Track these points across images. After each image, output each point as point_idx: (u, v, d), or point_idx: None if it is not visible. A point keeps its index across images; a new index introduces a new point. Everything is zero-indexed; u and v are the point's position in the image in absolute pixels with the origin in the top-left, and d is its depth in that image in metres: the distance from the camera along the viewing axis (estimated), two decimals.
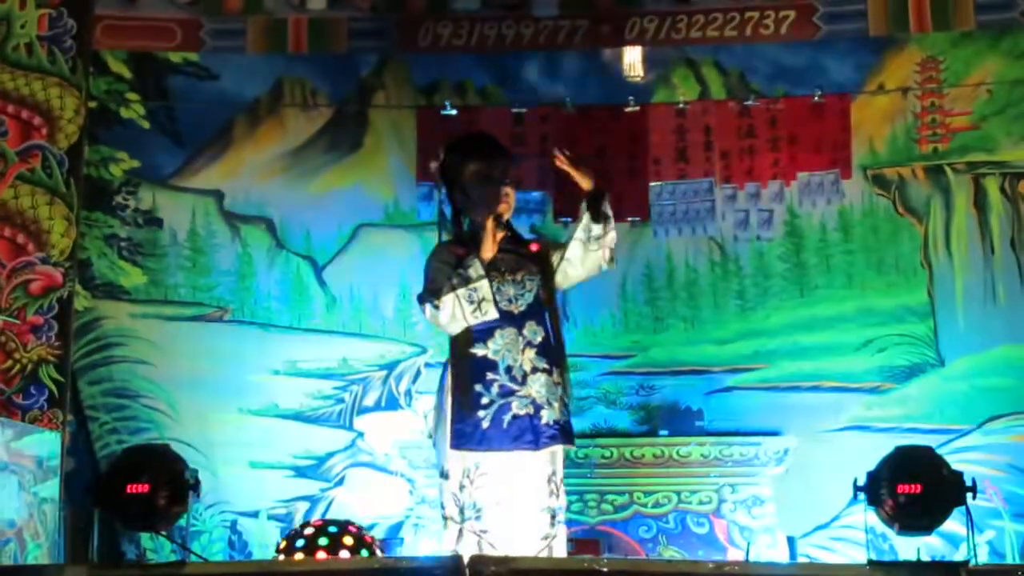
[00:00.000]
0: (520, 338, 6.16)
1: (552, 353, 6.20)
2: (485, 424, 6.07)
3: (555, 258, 6.32)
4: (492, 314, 6.10)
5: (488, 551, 5.92)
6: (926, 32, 8.51)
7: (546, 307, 6.25)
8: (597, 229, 6.22)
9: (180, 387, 8.52)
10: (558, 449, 6.20)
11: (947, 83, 8.51)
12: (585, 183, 6.24)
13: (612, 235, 6.29)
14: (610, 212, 6.27)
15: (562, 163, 6.27)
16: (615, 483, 8.21)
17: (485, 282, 6.08)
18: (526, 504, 6.09)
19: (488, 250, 6.15)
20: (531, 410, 6.10)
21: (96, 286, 8.54)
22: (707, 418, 8.37)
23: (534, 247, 6.30)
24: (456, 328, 6.14)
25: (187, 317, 8.62)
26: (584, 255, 6.28)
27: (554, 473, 6.18)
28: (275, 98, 8.75)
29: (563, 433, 6.18)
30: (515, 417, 6.08)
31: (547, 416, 6.12)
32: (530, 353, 6.16)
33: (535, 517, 6.10)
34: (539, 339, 6.18)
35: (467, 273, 6.09)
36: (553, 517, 6.15)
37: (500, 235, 6.19)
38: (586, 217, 6.23)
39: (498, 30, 8.70)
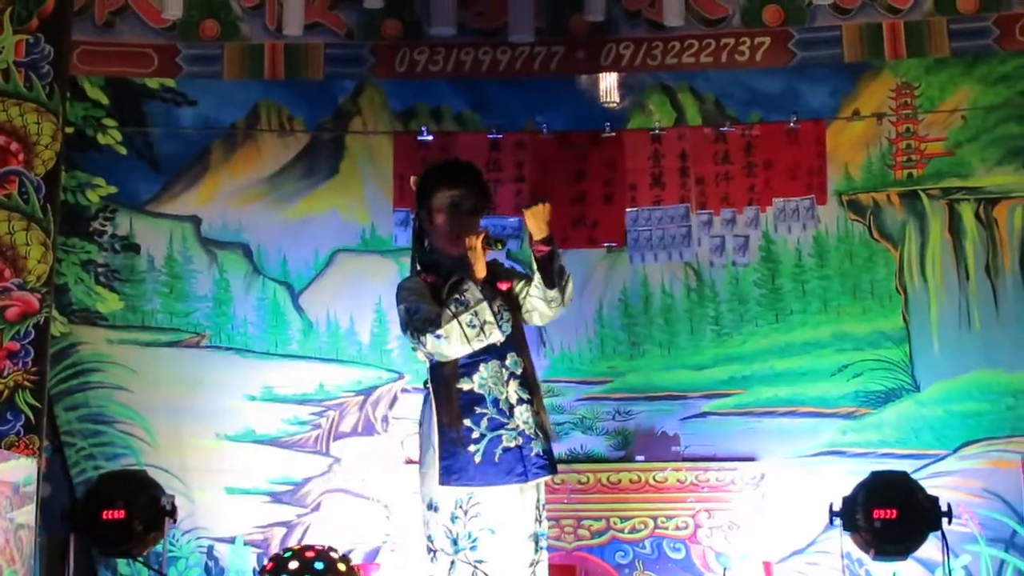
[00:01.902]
0: (503, 370, 6.13)
1: (531, 383, 6.21)
2: (477, 459, 6.02)
3: (521, 293, 6.30)
4: (496, 336, 6.03)
5: None
6: (901, 59, 8.54)
7: (520, 338, 6.25)
8: (553, 293, 6.17)
9: (157, 413, 8.49)
10: (545, 478, 6.22)
11: (922, 109, 8.53)
12: (537, 233, 6.13)
13: (569, 288, 6.25)
14: (564, 269, 6.21)
15: (527, 210, 6.17)
16: (592, 508, 8.21)
17: (485, 304, 5.99)
18: (517, 534, 6.08)
19: (481, 269, 6.07)
20: (520, 441, 6.07)
21: (73, 312, 8.52)
22: (683, 443, 8.37)
23: (503, 286, 6.24)
24: (460, 354, 6.05)
25: (164, 343, 8.59)
26: (547, 308, 6.25)
27: (539, 500, 6.21)
28: (252, 124, 8.74)
29: (551, 463, 6.19)
30: (505, 450, 6.05)
31: (536, 447, 6.11)
32: (514, 384, 6.14)
33: (524, 545, 6.10)
34: (520, 370, 6.17)
35: (464, 298, 5.99)
36: (536, 543, 6.17)
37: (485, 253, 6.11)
38: (540, 283, 6.16)
39: (475, 56, 8.72)
